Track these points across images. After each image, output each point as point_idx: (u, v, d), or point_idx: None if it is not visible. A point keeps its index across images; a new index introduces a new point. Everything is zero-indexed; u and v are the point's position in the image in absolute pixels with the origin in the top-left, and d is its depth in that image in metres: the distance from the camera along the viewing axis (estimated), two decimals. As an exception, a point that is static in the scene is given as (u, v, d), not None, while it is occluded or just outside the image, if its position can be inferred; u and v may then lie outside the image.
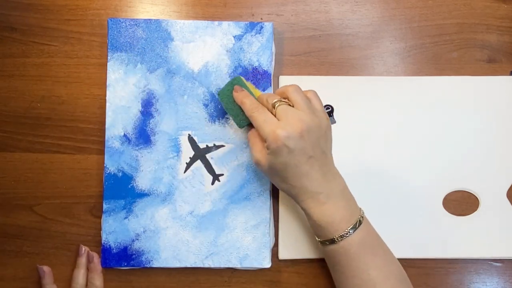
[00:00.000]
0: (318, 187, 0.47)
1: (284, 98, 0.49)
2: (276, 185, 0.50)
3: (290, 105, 0.48)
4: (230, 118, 0.55)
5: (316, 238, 0.50)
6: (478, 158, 0.58)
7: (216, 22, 0.58)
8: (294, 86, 0.49)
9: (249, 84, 0.54)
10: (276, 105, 0.48)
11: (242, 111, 0.51)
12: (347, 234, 0.47)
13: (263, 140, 0.48)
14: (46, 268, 0.56)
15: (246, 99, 0.50)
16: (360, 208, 0.50)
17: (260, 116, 0.48)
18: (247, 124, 0.52)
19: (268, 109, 0.49)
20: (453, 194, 0.58)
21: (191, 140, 0.57)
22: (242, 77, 0.53)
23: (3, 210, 0.58)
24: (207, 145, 0.57)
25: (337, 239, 0.47)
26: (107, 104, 0.57)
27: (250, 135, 0.51)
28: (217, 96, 0.55)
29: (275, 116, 0.48)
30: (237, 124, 0.53)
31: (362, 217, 0.49)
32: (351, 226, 0.47)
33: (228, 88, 0.53)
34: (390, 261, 0.49)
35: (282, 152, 0.46)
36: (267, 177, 0.50)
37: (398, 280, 0.49)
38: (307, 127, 0.46)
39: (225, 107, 0.53)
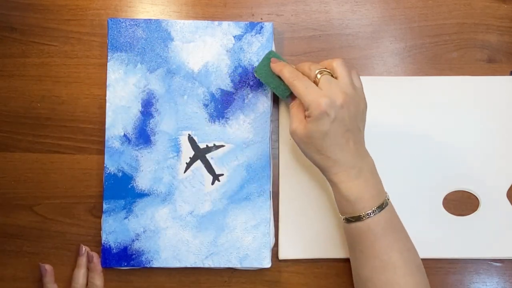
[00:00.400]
0: (351, 161, 0.48)
1: (327, 69, 0.49)
2: (309, 156, 0.50)
3: (332, 75, 0.48)
4: (272, 91, 0.55)
5: (341, 216, 0.50)
6: (478, 158, 0.58)
7: (216, 22, 0.58)
8: (340, 60, 0.49)
9: (283, 59, 0.54)
10: (320, 74, 0.48)
11: (282, 82, 0.51)
12: (373, 212, 0.47)
13: (304, 110, 0.48)
14: (48, 267, 0.56)
15: (285, 68, 0.50)
16: (386, 192, 0.50)
17: (301, 84, 0.48)
18: (290, 94, 0.52)
19: (309, 78, 0.49)
20: (453, 194, 0.58)
21: (191, 140, 0.57)
22: (274, 51, 0.53)
23: (3, 210, 0.58)
24: (207, 145, 0.57)
25: (363, 216, 0.48)
26: (107, 104, 0.57)
27: (292, 105, 0.51)
28: (254, 74, 0.55)
29: (317, 85, 0.48)
30: (279, 96, 0.53)
31: (388, 199, 0.49)
32: (378, 205, 0.48)
33: (264, 63, 0.53)
34: (411, 248, 0.50)
35: (323, 120, 0.46)
36: (300, 147, 0.50)
37: (417, 268, 0.49)
38: (348, 99, 0.47)
39: (264, 81, 0.54)
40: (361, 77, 0.59)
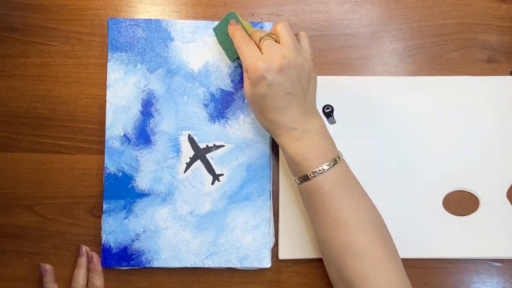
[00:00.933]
0: (293, 123, 0.48)
1: (272, 35, 0.50)
2: (256, 117, 0.51)
3: (277, 41, 0.49)
4: (224, 52, 0.56)
5: (293, 177, 0.51)
6: (478, 158, 0.58)
7: (216, 22, 0.58)
8: (282, 23, 0.49)
9: (245, 21, 0.54)
10: (262, 40, 0.49)
11: (234, 45, 0.52)
12: (320, 171, 0.48)
13: None
14: (48, 266, 0.56)
15: (237, 32, 0.51)
16: (339, 151, 0.50)
17: (246, 48, 0.49)
18: (237, 58, 0.53)
19: (256, 43, 0.50)
20: (453, 194, 0.58)
21: (191, 140, 0.57)
22: (236, 13, 0.53)
23: (3, 210, 0.58)
24: (207, 145, 0.57)
25: (310, 175, 0.48)
26: (107, 104, 0.57)
27: (243, 68, 0.51)
28: (213, 32, 0.56)
29: (260, 50, 0.49)
30: (228, 58, 0.55)
31: (339, 158, 0.49)
32: (326, 163, 0.48)
33: (223, 23, 0.54)
34: (366, 204, 0.49)
35: (261, 84, 0.47)
36: (251, 109, 0.51)
37: (373, 225, 0.48)
38: (287, 63, 0.47)
39: (218, 41, 0.55)
40: (361, 77, 0.59)
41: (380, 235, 0.48)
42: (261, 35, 0.49)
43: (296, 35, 0.50)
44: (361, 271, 0.46)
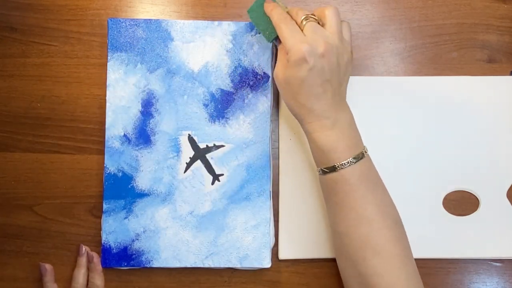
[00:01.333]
0: (327, 111, 0.47)
1: (317, 17, 0.48)
2: (286, 102, 0.50)
3: (319, 22, 0.48)
4: (260, 33, 0.54)
5: (316, 168, 0.50)
6: (478, 158, 0.58)
7: (216, 22, 0.58)
8: (333, 8, 0.48)
9: (280, 2, 0.52)
10: (306, 21, 0.47)
11: (271, 24, 0.50)
12: (348, 163, 0.47)
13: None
14: (48, 266, 0.56)
15: (275, 9, 0.49)
16: (364, 146, 0.50)
17: (286, 27, 0.47)
18: (275, 38, 0.51)
19: (296, 23, 0.48)
20: (453, 194, 0.58)
21: (191, 140, 0.57)
22: None
23: (3, 210, 0.58)
24: (207, 145, 0.57)
25: (338, 166, 0.47)
26: (107, 104, 0.57)
27: (279, 49, 0.50)
28: (247, 14, 0.53)
29: (302, 31, 0.47)
30: (265, 38, 0.52)
31: (366, 152, 0.49)
32: (354, 156, 0.47)
33: (258, 3, 0.52)
34: (388, 202, 0.49)
35: (301, 67, 0.46)
36: (280, 92, 0.50)
37: (395, 221, 0.48)
38: (331, 49, 0.46)
39: (254, 22, 0.52)
40: (361, 77, 0.59)
41: (399, 233, 0.48)
42: (304, 16, 0.48)
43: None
44: (379, 268, 0.46)
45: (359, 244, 0.47)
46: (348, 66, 0.49)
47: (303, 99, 0.47)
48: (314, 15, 0.48)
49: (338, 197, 0.48)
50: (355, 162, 0.47)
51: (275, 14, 0.49)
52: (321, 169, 0.49)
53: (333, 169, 0.48)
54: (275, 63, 0.59)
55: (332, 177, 0.48)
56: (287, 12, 0.50)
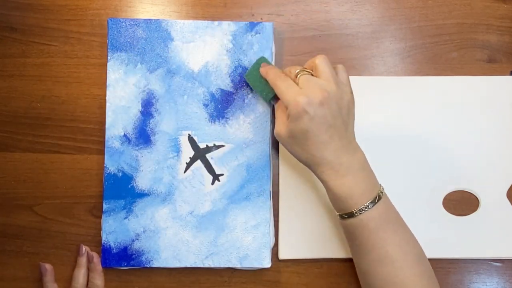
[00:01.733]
0: (337, 158, 0.47)
1: (309, 69, 0.50)
2: (297, 156, 0.50)
3: (313, 75, 0.49)
4: (258, 95, 0.57)
5: (335, 211, 0.50)
6: (478, 158, 0.58)
7: (216, 22, 0.58)
8: (321, 57, 0.49)
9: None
10: (299, 75, 0.49)
11: (268, 85, 0.52)
12: (366, 208, 0.47)
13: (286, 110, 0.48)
14: (48, 266, 0.56)
15: (270, 70, 0.52)
16: (380, 184, 0.50)
17: (282, 84, 0.49)
18: (273, 97, 0.53)
19: (291, 79, 0.50)
20: (453, 194, 0.58)
21: (191, 140, 0.57)
22: (265, 57, 0.55)
23: (3, 210, 0.58)
24: (207, 145, 0.57)
25: (356, 212, 0.47)
26: (107, 104, 0.57)
27: (277, 108, 0.52)
28: (244, 78, 0.57)
29: (298, 85, 0.48)
30: (263, 99, 0.55)
31: (382, 192, 0.49)
32: (371, 200, 0.47)
33: (254, 68, 0.54)
34: (409, 239, 0.49)
35: (303, 119, 0.46)
36: (287, 148, 0.50)
37: (417, 259, 0.49)
38: (328, 96, 0.46)
39: (251, 84, 0.55)
40: (361, 77, 0.59)
41: (423, 269, 0.49)
42: (297, 70, 0.49)
43: (334, 67, 0.50)
44: None
45: (382, 283, 0.48)
46: (351, 107, 0.49)
47: (312, 149, 0.47)
48: (306, 69, 0.50)
49: (359, 240, 0.49)
50: (372, 206, 0.47)
51: (271, 74, 0.51)
52: (339, 214, 0.50)
53: (351, 215, 0.48)
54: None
55: (351, 222, 0.48)
56: (282, 72, 0.51)
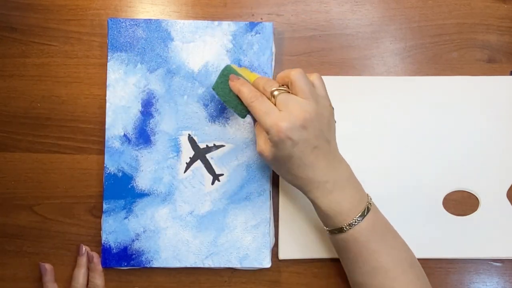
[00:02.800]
0: (324, 176, 0.46)
1: (283, 85, 0.47)
2: (281, 176, 0.49)
3: (289, 91, 0.46)
4: (231, 110, 0.52)
5: (324, 227, 0.50)
6: (478, 158, 0.58)
7: (216, 22, 0.58)
8: (297, 71, 0.46)
9: (242, 69, 0.52)
10: (276, 94, 0.46)
11: (240, 100, 0.49)
12: (355, 222, 0.47)
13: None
14: (48, 266, 0.56)
15: (243, 87, 0.48)
16: (367, 194, 0.49)
17: (260, 107, 0.46)
18: (248, 113, 0.50)
19: (266, 97, 0.47)
20: (453, 194, 0.58)
21: (191, 140, 0.57)
22: (232, 65, 0.51)
23: (3, 210, 0.58)
24: (207, 145, 0.57)
25: (345, 227, 0.47)
26: (107, 104, 0.57)
27: (256, 125, 0.49)
28: (213, 91, 0.54)
29: (275, 104, 0.46)
30: (238, 115, 0.51)
31: (370, 203, 0.48)
32: (359, 214, 0.47)
33: (221, 80, 0.50)
34: (400, 246, 0.49)
35: (286, 145, 0.44)
36: (271, 167, 0.49)
37: (409, 265, 0.48)
38: (310, 117, 0.44)
39: (222, 100, 0.51)
40: (361, 77, 0.59)
41: (416, 274, 0.48)
42: (273, 89, 0.46)
43: (308, 76, 0.47)
44: None
45: None
46: (331, 121, 0.48)
47: (298, 172, 0.46)
48: (283, 86, 0.47)
49: (351, 253, 0.48)
50: (362, 219, 0.47)
51: (245, 92, 0.47)
52: (329, 230, 0.49)
53: (341, 230, 0.47)
54: (275, 63, 0.59)
55: (342, 237, 0.48)
56: (253, 83, 0.48)
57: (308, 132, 0.45)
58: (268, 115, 0.45)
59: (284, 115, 0.44)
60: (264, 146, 0.47)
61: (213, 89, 0.52)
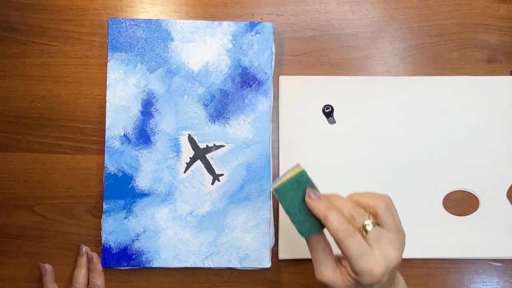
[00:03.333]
0: None
1: (370, 214, 0.42)
2: None
3: (378, 223, 0.42)
4: (288, 218, 0.43)
5: None
6: (478, 158, 0.58)
7: (216, 22, 0.58)
8: (385, 202, 0.42)
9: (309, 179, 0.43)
10: (368, 229, 0.41)
11: (310, 217, 0.42)
12: None
13: (331, 253, 0.43)
14: (48, 266, 0.56)
15: (331, 214, 0.41)
16: None
17: (355, 247, 0.40)
18: (315, 233, 0.43)
19: (358, 231, 0.41)
20: (453, 194, 0.58)
21: (191, 140, 0.57)
22: (305, 171, 0.42)
23: (3, 210, 0.58)
24: (207, 145, 0.57)
25: None
26: (107, 104, 0.57)
27: (316, 247, 0.43)
28: (272, 192, 0.44)
29: (364, 238, 0.41)
30: (299, 232, 0.43)
31: None
32: None
33: (291, 187, 0.42)
34: None
35: (373, 286, 0.41)
36: None
37: None
38: (401, 256, 0.42)
39: (285, 209, 0.42)
40: (361, 77, 0.59)
41: None
42: (365, 223, 0.41)
43: (381, 198, 0.43)
44: None
45: None
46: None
47: None
48: (370, 215, 0.42)
49: None
50: None
51: (333, 223, 0.41)
52: None
53: None
54: (275, 63, 0.59)
55: None
56: (336, 204, 0.42)
57: (395, 271, 0.42)
58: (363, 258, 0.40)
59: (379, 260, 0.40)
60: (333, 273, 0.42)
61: (275, 191, 0.42)
